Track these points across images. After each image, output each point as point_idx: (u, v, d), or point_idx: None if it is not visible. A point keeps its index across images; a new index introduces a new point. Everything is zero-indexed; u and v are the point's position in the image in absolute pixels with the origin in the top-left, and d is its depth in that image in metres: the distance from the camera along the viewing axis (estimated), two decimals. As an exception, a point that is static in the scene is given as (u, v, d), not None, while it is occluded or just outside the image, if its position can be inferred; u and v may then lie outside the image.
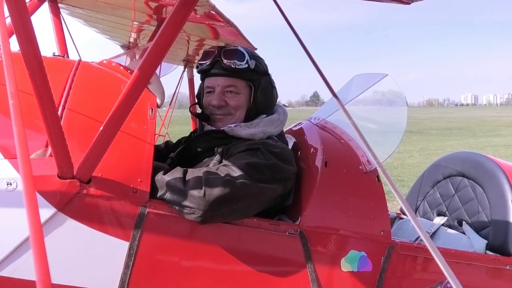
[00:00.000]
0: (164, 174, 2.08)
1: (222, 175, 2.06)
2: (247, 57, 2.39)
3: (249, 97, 2.45)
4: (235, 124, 2.40)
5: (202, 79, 2.55)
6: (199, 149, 2.41)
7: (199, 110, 2.62)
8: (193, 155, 2.40)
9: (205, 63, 2.44)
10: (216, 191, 2.00)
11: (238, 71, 2.39)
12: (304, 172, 2.42)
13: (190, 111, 2.78)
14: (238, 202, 2.08)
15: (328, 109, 3.00)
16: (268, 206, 2.24)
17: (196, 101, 2.64)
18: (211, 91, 2.47)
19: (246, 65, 2.38)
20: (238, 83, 2.42)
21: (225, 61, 2.37)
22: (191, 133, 2.75)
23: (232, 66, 2.37)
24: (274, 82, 2.54)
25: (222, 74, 2.41)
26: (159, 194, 2.04)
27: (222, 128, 2.41)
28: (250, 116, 2.45)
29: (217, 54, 2.41)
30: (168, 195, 2.02)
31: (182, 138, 2.74)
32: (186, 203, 1.99)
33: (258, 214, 2.21)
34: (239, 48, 2.43)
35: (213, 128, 2.47)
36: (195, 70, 6.72)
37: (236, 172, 2.08)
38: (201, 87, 2.57)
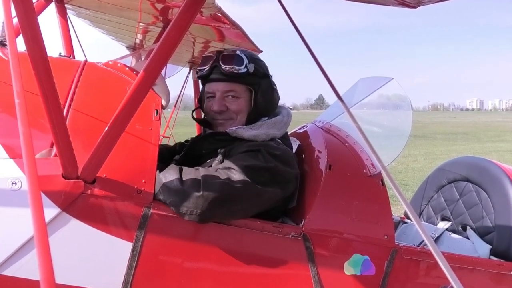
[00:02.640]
0: (159, 173, 2.08)
1: (221, 176, 2.06)
2: (245, 61, 2.37)
3: (250, 101, 2.44)
4: (237, 126, 2.40)
5: (203, 84, 2.54)
6: (203, 151, 2.41)
7: (203, 114, 2.61)
8: (196, 156, 2.40)
9: (204, 69, 2.44)
10: (215, 192, 2.00)
11: (237, 76, 2.37)
12: (308, 175, 2.42)
13: (192, 116, 2.78)
14: (236, 203, 2.09)
15: (333, 112, 3.00)
16: (269, 207, 2.24)
17: (199, 105, 2.63)
18: (211, 96, 2.46)
19: (245, 70, 2.36)
20: (237, 88, 2.41)
21: (223, 66, 2.36)
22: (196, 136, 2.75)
23: (231, 71, 2.36)
24: (274, 84, 2.52)
25: (221, 79, 2.40)
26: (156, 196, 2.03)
27: (225, 130, 2.41)
28: (252, 119, 2.44)
29: (216, 59, 2.39)
30: (164, 196, 2.01)
31: (189, 139, 2.74)
32: (184, 203, 1.98)
33: (261, 217, 2.21)
34: (238, 52, 2.41)
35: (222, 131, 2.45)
36: (200, 72, 6.73)
37: (234, 173, 2.08)
38: (202, 92, 2.56)
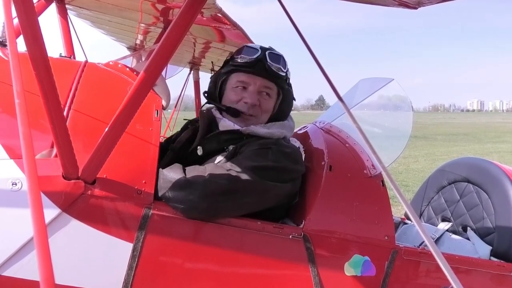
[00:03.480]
0: (164, 170, 2.08)
1: (227, 172, 2.08)
2: (287, 66, 2.45)
3: (276, 104, 2.48)
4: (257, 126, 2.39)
5: (232, 72, 2.45)
6: (209, 150, 2.36)
7: (206, 106, 2.55)
8: (203, 155, 2.35)
9: (248, 58, 2.39)
10: (220, 186, 2.03)
11: (278, 77, 2.41)
12: (308, 175, 2.41)
13: (209, 101, 2.60)
14: (242, 198, 2.10)
15: (333, 113, 3.00)
16: (275, 204, 2.25)
17: (207, 94, 2.53)
18: (243, 86, 2.41)
19: (285, 74, 2.44)
20: (273, 87, 2.44)
21: (270, 62, 2.38)
22: (187, 123, 2.61)
23: (275, 70, 2.39)
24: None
25: (263, 75, 2.39)
26: (160, 193, 2.04)
27: (237, 128, 2.38)
28: (268, 122, 2.46)
29: (263, 54, 2.39)
30: (169, 192, 2.02)
31: (181, 130, 2.62)
32: (189, 197, 2.00)
33: (262, 217, 2.21)
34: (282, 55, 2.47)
35: (235, 128, 2.38)
36: (201, 73, 6.74)
37: (242, 169, 2.09)
38: (225, 80, 2.47)
